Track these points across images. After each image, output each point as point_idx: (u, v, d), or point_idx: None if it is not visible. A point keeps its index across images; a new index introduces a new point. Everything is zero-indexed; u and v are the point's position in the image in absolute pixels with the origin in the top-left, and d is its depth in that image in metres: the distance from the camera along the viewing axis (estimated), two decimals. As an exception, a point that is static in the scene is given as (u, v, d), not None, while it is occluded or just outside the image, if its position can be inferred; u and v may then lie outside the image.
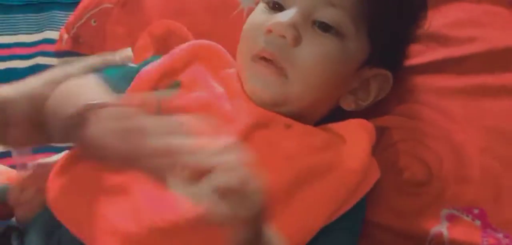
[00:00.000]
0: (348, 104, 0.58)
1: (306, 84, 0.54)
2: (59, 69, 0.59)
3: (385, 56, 0.58)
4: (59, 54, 0.78)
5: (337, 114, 0.59)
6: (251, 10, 0.70)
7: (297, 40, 0.53)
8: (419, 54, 0.66)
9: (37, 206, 0.53)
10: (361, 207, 0.53)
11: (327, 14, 0.53)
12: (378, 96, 0.59)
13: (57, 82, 0.54)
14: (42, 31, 0.80)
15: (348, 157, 0.52)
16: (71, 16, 0.81)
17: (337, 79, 0.55)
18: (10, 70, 0.79)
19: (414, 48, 0.65)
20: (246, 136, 0.52)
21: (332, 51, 0.54)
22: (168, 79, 0.56)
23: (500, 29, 0.68)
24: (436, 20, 0.67)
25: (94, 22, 0.77)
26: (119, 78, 0.56)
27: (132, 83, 0.55)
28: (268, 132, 0.53)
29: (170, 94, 0.54)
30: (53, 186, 0.51)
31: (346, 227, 0.51)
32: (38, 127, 0.53)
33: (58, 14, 0.85)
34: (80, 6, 0.80)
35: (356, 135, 0.54)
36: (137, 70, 0.57)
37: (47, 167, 0.54)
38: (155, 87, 0.55)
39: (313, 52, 0.53)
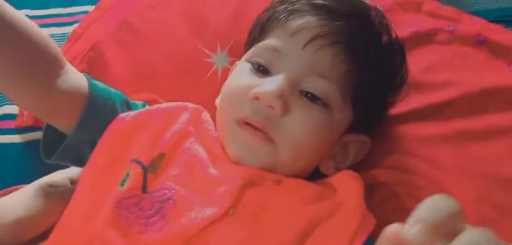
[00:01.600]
0: (327, 169, 0.55)
1: (295, 153, 0.51)
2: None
3: (365, 124, 0.56)
4: (20, 130, 0.71)
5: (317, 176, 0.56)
6: (225, 70, 0.68)
7: (286, 111, 0.50)
8: (400, 103, 0.64)
9: None
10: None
11: (315, 85, 0.51)
12: (355, 159, 0.57)
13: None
14: (1, 106, 0.72)
15: (344, 199, 0.49)
16: None
17: (323, 146, 0.53)
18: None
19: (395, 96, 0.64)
20: (238, 197, 0.48)
21: (320, 121, 0.51)
22: (149, 135, 0.52)
23: (472, 70, 0.68)
24: (411, 66, 0.65)
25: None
26: (106, 98, 0.53)
27: (109, 128, 0.51)
28: (259, 190, 0.49)
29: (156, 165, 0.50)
30: None
31: None
32: None
33: None
34: None
35: (346, 182, 0.51)
36: (123, 99, 0.54)
37: None
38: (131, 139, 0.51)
39: (302, 123, 0.50)
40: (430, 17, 0.75)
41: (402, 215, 0.56)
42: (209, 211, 0.47)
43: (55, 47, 0.51)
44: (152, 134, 0.53)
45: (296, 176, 0.53)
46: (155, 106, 0.57)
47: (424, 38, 0.72)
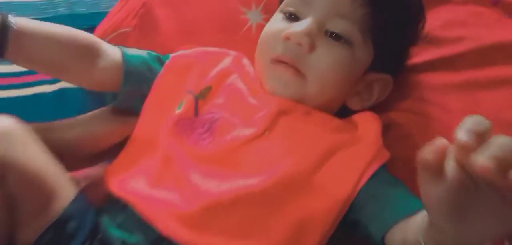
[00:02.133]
0: (354, 104, 0.64)
1: (321, 85, 0.60)
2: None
3: (387, 63, 0.64)
4: (53, 81, 0.80)
5: (346, 114, 0.65)
6: (259, 26, 0.76)
7: (312, 48, 0.59)
8: (416, 55, 0.72)
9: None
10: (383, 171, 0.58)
11: (339, 26, 0.59)
12: (380, 98, 0.65)
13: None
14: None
15: (363, 134, 0.59)
16: None
17: (346, 81, 0.61)
18: (37, 96, 0.82)
19: (412, 49, 0.71)
20: (273, 121, 0.58)
21: (342, 57, 0.59)
22: (198, 73, 0.63)
23: (484, 27, 0.74)
24: (428, 23, 0.73)
25: (113, 45, 0.80)
26: (140, 63, 0.64)
27: (169, 62, 0.64)
28: (290, 118, 0.59)
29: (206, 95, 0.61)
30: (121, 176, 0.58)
31: (378, 181, 0.55)
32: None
33: None
34: (98, 31, 0.82)
35: (367, 122, 0.60)
36: (155, 56, 0.66)
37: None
38: (187, 71, 0.63)
39: (327, 58, 0.59)
40: (447, -22, 0.81)
41: (413, 152, 0.64)
42: (249, 131, 0.58)
43: (86, 40, 0.63)
44: (201, 71, 0.64)
45: (323, 110, 0.62)
46: (203, 49, 0.67)
47: (442, -1, 0.78)
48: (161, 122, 0.61)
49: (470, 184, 0.34)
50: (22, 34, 0.57)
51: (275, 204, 0.54)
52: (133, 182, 0.57)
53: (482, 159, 0.31)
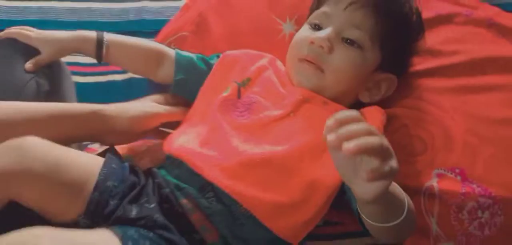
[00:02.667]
0: (364, 98, 0.79)
1: (336, 79, 0.76)
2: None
3: (392, 65, 0.79)
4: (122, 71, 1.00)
5: (360, 106, 0.80)
6: (291, 35, 0.93)
7: (331, 50, 0.75)
8: (418, 64, 0.86)
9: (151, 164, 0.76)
10: None
11: (352, 34, 0.75)
12: (386, 94, 0.80)
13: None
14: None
15: (369, 123, 0.73)
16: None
17: (357, 77, 0.77)
18: (110, 83, 1.01)
19: (415, 59, 0.86)
20: (297, 107, 0.74)
21: (354, 58, 0.75)
22: (241, 67, 0.81)
23: (479, 44, 0.88)
24: (431, 39, 0.88)
25: (174, 45, 0.96)
26: (191, 65, 0.83)
27: (220, 59, 0.82)
28: (311, 105, 0.75)
29: (246, 84, 0.79)
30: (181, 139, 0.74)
31: None
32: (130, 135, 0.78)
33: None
34: (161, 33, 1.00)
35: (373, 113, 0.75)
36: (200, 57, 0.85)
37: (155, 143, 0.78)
38: (233, 66, 0.81)
39: (342, 58, 0.75)
40: (453, 4, 0.96)
41: (410, 139, 0.79)
42: (278, 112, 0.74)
43: (155, 49, 0.85)
44: (243, 66, 0.82)
45: (338, 101, 0.78)
46: (246, 51, 0.85)
47: (445, 19, 0.93)
48: (211, 102, 0.78)
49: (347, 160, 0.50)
50: (112, 47, 0.82)
51: (293, 167, 0.69)
52: (187, 145, 0.74)
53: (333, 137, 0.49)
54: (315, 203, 0.69)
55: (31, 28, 0.84)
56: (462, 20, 0.92)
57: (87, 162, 0.67)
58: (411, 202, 0.62)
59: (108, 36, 0.82)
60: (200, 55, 0.86)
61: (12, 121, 0.69)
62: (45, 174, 0.61)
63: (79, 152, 0.69)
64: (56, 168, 0.62)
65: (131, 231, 0.61)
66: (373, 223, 0.61)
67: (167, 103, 0.83)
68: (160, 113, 0.79)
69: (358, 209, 0.63)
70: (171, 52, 0.85)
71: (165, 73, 0.84)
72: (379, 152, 0.50)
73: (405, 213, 0.60)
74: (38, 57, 0.80)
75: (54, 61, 0.83)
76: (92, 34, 0.82)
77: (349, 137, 0.49)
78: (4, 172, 0.60)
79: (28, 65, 0.79)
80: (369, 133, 0.50)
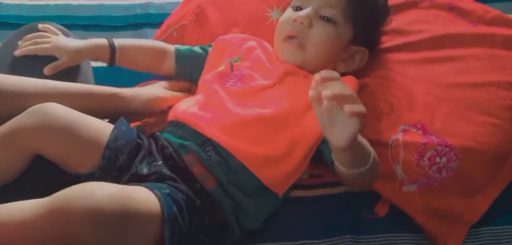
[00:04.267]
0: (340, 68, 0.89)
1: (316, 52, 0.85)
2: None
3: (363, 39, 0.88)
4: None
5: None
6: (278, 21, 1.02)
7: (310, 25, 0.85)
8: (387, 41, 0.96)
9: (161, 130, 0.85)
10: None
11: (328, 12, 0.85)
12: (360, 64, 0.90)
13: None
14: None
15: None
16: (158, 31, 1.07)
17: (333, 49, 0.86)
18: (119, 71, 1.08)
19: (384, 38, 0.96)
20: (281, 79, 0.84)
21: (330, 32, 0.85)
22: (233, 49, 0.90)
23: (440, 24, 0.98)
24: (399, 20, 0.98)
25: (176, 33, 1.05)
26: (189, 53, 0.93)
27: (214, 44, 0.92)
28: (294, 77, 0.85)
29: (238, 61, 0.88)
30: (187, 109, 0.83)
31: None
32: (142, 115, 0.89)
33: (149, 31, 1.15)
34: (165, 24, 1.09)
35: (348, 82, 0.83)
36: (199, 46, 0.95)
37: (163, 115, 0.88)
38: (225, 48, 0.90)
39: (320, 32, 0.85)
40: (419, -8, 1.05)
41: (379, 102, 0.88)
42: (265, 82, 0.84)
43: (159, 47, 0.94)
44: (234, 47, 0.92)
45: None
46: (235, 35, 0.95)
47: (411, 5, 1.03)
48: (208, 77, 0.88)
49: (329, 107, 0.61)
50: (123, 51, 0.90)
51: (278, 126, 0.79)
52: (189, 110, 0.83)
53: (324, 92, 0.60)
54: (297, 156, 0.78)
55: (50, 28, 0.89)
56: (426, 5, 1.02)
57: (101, 124, 0.77)
58: (375, 154, 0.72)
59: (118, 42, 0.90)
60: (198, 46, 0.96)
61: (45, 94, 0.78)
62: (63, 130, 0.71)
63: (94, 118, 0.76)
64: (73, 126, 0.72)
65: (158, 186, 0.69)
66: (346, 170, 0.70)
67: (173, 88, 0.93)
68: (168, 97, 0.90)
69: (333, 159, 0.72)
70: (171, 47, 0.95)
71: (168, 66, 0.94)
72: (350, 100, 0.61)
73: (371, 160, 0.70)
74: (56, 63, 0.85)
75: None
76: (104, 41, 0.89)
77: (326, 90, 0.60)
78: (30, 128, 0.70)
79: (47, 69, 0.84)
80: (343, 88, 0.61)
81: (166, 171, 0.74)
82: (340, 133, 0.63)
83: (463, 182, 0.79)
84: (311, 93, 0.62)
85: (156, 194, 0.66)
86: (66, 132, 0.72)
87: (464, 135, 0.80)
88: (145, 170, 0.74)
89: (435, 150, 0.79)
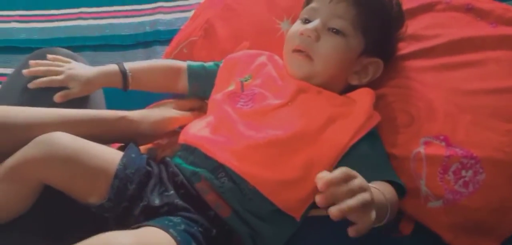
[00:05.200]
0: (353, 80, 0.83)
1: (324, 64, 0.80)
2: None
3: (376, 50, 0.83)
4: None
5: (352, 89, 0.84)
6: (288, 31, 0.97)
7: (318, 38, 0.80)
8: (403, 48, 0.90)
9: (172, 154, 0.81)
10: (374, 134, 0.77)
11: (337, 23, 0.80)
12: (374, 76, 0.84)
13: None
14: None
15: (359, 107, 0.77)
16: (168, 48, 1.03)
17: (343, 62, 0.81)
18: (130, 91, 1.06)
19: (400, 45, 0.90)
20: (294, 97, 0.79)
21: (339, 44, 0.80)
22: (242, 67, 0.85)
23: (458, 27, 0.91)
24: (414, 25, 0.91)
25: (185, 50, 1.01)
26: (202, 70, 0.89)
27: (223, 63, 0.88)
28: (306, 95, 0.79)
29: (248, 80, 0.83)
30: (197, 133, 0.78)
31: (368, 143, 0.76)
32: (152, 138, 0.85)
33: (158, 48, 1.13)
34: (174, 41, 1.05)
35: (363, 96, 0.79)
36: (212, 62, 0.90)
37: (175, 136, 0.83)
38: (234, 66, 0.86)
39: (328, 45, 0.79)
40: (434, -6, 0.99)
41: (398, 113, 0.82)
42: (278, 101, 0.79)
43: (171, 66, 0.90)
44: (244, 65, 0.87)
45: (330, 87, 0.82)
46: (245, 52, 0.90)
47: (427, 8, 0.96)
48: (218, 98, 0.83)
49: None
50: (135, 75, 0.86)
51: (293, 148, 0.74)
52: (199, 133, 0.79)
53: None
54: (313, 180, 0.71)
55: (60, 58, 0.86)
56: (442, 7, 0.95)
57: (109, 152, 0.73)
58: (392, 204, 0.67)
59: (128, 66, 0.87)
60: (209, 62, 0.92)
61: (50, 123, 0.75)
62: (69, 159, 0.68)
63: (101, 145, 0.74)
64: (79, 155, 0.69)
65: (172, 223, 0.66)
66: None
67: (183, 107, 0.89)
68: (177, 117, 0.86)
69: None
70: (184, 65, 0.91)
71: (183, 85, 0.90)
72: (359, 210, 0.54)
73: (388, 215, 0.65)
74: (68, 91, 0.82)
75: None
76: (115, 67, 0.86)
77: (335, 199, 0.54)
78: (35, 160, 0.67)
79: (57, 97, 0.82)
80: (351, 193, 0.54)
81: (178, 201, 0.70)
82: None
83: (491, 196, 0.73)
84: (317, 199, 0.55)
85: (171, 235, 0.62)
86: (72, 162, 0.68)
87: (490, 146, 0.74)
88: (157, 202, 0.70)
89: (460, 162, 0.74)
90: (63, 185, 0.70)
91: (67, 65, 0.86)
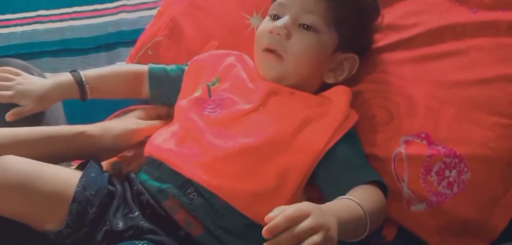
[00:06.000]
0: (329, 79, 0.78)
1: (296, 64, 0.75)
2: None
3: (350, 45, 0.78)
4: None
5: (328, 87, 0.79)
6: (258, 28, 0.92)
7: (288, 36, 0.74)
8: (380, 40, 0.85)
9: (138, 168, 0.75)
10: (353, 134, 0.73)
11: (307, 19, 0.74)
12: (350, 72, 0.79)
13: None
14: (114, 64, 1.01)
15: (335, 106, 0.73)
16: (132, 50, 0.99)
17: (317, 60, 0.76)
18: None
19: (377, 36, 0.85)
20: (265, 100, 0.73)
21: (311, 41, 0.74)
22: (209, 70, 0.80)
23: (437, 14, 0.86)
24: (391, 14, 0.86)
25: (150, 51, 0.96)
26: (163, 75, 0.83)
27: (188, 66, 0.82)
28: (278, 97, 0.74)
29: (216, 84, 0.78)
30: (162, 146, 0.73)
31: (346, 144, 0.71)
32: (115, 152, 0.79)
33: (122, 50, 1.07)
34: (138, 42, 1.00)
35: (339, 94, 0.74)
36: (175, 66, 0.85)
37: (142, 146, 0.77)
38: (201, 69, 0.80)
39: (299, 43, 0.74)
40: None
41: (376, 110, 0.78)
42: (248, 106, 0.73)
43: (133, 71, 0.85)
44: (211, 67, 0.81)
45: (304, 87, 0.77)
46: (212, 52, 0.84)
47: (404, -6, 0.91)
48: (184, 104, 0.77)
49: None
50: (92, 83, 0.81)
51: (265, 157, 0.69)
52: (164, 145, 0.73)
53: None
54: (289, 188, 0.68)
55: (10, 70, 0.79)
56: (420, -7, 0.91)
57: (66, 174, 0.67)
58: (379, 198, 0.64)
59: (84, 74, 0.81)
60: (172, 65, 0.86)
61: (2, 144, 0.69)
62: (21, 186, 0.62)
63: (57, 166, 0.68)
64: (31, 180, 0.63)
65: None
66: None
67: (149, 116, 0.83)
68: (142, 128, 0.80)
69: None
70: (146, 69, 0.85)
71: (146, 91, 0.85)
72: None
73: (367, 228, 0.61)
74: (20, 109, 0.77)
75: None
76: (70, 78, 0.80)
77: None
78: None
79: (8, 116, 0.76)
80: (297, 239, 0.50)
81: (144, 223, 0.65)
82: None
83: (477, 196, 0.69)
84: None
85: None
86: (24, 188, 0.63)
87: (474, 142, 0.71)
88: (120, 225, 0.65)
89: (442, 162, 0.70)
90: (15, 214, 0.64)
91: (17, 79, 0.79)
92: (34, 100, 0.77)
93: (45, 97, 0.79)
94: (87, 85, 0.80)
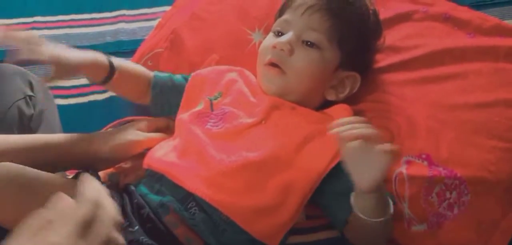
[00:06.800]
0: (330, 96, 0.79)
1: (298, 79, 0.76)
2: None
3: (352, 63, 0.79)
4: (103, 91, 0.97)
5: (329, 105, 0.80)
6: (260, 43, 0.93)
7: (291, 52, 0.75)
8: (381, 60, 0.87)
9: (136, 179, 0.74)
10: None
11: (311, 36, 0.76)
12: (352, 90, 0.80)
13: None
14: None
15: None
16: (131, 60, 0.98)
17: (319, 76, 0.77)
18: (92, 103, 0.99)
19: (378, 56, 0.87)
20: (267, 114, 0.74)
21: (313, 57, 0.76)
22: (211, 84, 0.80)
23: (437, 37, 0.89)
24: (392, 36, 0.88)
25: (150, 63, 0.95)
26: (169, 81, 0.83)
27: (189, 81, 0.82)
28: (280, 112, 0.75)
29: (218, 98, 0.78)
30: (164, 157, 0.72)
31: None
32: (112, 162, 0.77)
33: None
34: (138, 53, 0.99)
35: (340, 113, 0.75)
36: (180, 75, 0.84)
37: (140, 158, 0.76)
38: (202, 84, 0.80)
39: (302, 59, 0.75)
40: (410, 2, 0.97)
41: (378, 129, 0.78)
42: (250, 120, 0.74)
43: (144, 75, 0.83)
44: (213, 82, 0.81)
45: (305, 103, 0.78)
46: (214, 68, 0.85)
47: (404, 17, 0.93)
48: (185, 118, 0.77)
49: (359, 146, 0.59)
50: (120, 73, 0.78)
51: (268, 171, 0.69)
52: (165, 158, 0.73)
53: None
54: (291, 205, 0.69)
55: (35, 38, 0.71)
56: (420, 17, 0.93)
57: (61, 184, 0.66)
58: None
59: (115, 61, 0.77)
60: (178, 75, 0.86)
61: None
62: (17, 195, 0.61)
63: (53, 174, 0.67)
64: (28, 189, 0.62)
65: None
66: (365, 218, 0.62)
67: (148, 128, 0.82)
68: (141, 140, 0.78)
69: (354, 209, 0.64)
70: (152, 73, 0.84)
71: (150, 91, 0.83)
72: (378, 139, 0.60)
73: (391, 211, 0.62)
74: (51, 77, 0.71)
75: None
76: (104, 58, 0.76)
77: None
78: None
79: (43, 80, 0.74)
80: (368, 126, 0.61)
81: (144, 238, 0.64)
82: (368, 173, 0.60)
83: (477, 218, 0.71)
84: (335, 131, 0.61)
85: None
86: (21, 198, 0.61)
87: (474, 164, 0.72)
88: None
89: (443, 183, 0.71)
90: (10, 221, 0.63)
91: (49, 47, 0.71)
92: (63, 68, 0.70)
93: (75, 67, 0.72)
94: (117, 71, 0.77)
